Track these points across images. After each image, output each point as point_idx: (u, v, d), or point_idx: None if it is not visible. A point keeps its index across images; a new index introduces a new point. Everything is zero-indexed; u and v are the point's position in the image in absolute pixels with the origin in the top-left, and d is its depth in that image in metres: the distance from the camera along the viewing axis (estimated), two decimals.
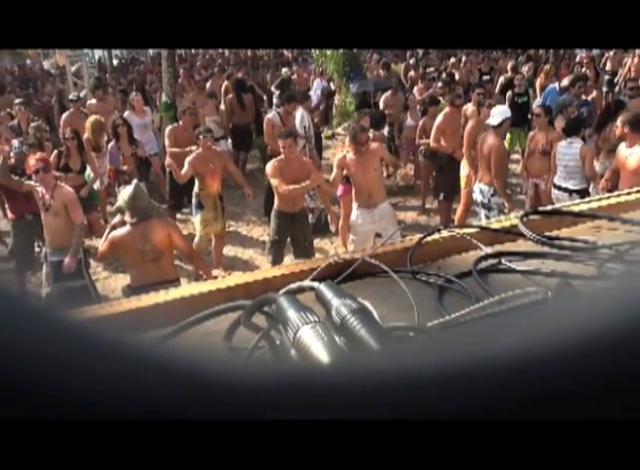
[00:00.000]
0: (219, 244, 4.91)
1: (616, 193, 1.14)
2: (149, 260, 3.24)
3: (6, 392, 0.15)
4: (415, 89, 7.56)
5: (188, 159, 4.57)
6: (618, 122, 4.05)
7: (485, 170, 4.48)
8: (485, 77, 8.83)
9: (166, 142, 5.54)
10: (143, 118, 6.31)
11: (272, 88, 8.33)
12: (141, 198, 3.26)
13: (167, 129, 5.66)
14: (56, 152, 5.21)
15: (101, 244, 3.42)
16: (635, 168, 3.87)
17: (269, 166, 4.17)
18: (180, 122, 5.65)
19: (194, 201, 4.71)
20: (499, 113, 4.44)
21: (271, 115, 5.97)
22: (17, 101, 6.96)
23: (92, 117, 5.92)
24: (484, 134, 4.51)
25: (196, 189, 4.65)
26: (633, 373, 0.17)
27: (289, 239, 4.36)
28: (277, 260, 4.23)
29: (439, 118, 5.33)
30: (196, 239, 4.67)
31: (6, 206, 4.84)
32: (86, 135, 5.69)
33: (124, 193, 3.30)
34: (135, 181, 3.54)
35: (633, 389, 0.17)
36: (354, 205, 4.38)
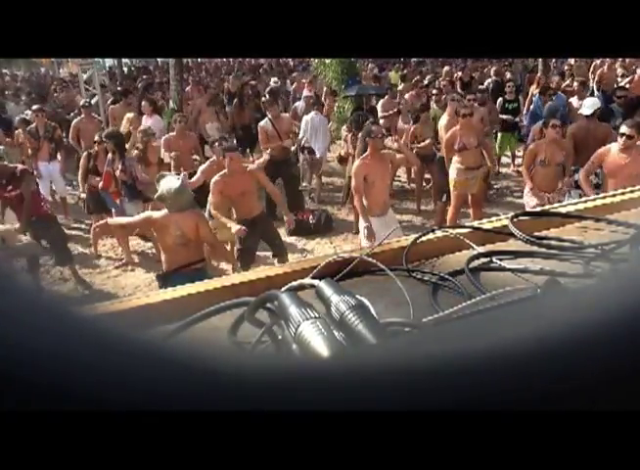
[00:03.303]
0: (233, 250, 4.90)
1: (601, 195, 1.17)
2: (179, 244, 3.41)
3: (17, 384, 0.16)
4: (407, 95, 7.60)
5: (202, 167, 4.53)
6: (627, 130, 3.86)
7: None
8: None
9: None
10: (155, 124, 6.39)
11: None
12: (184, 194, 3.41)
13: (163, 138, 5.69)
14: (85, 154, 5.28)
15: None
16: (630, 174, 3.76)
17: (212, 182, 4.05)
18: (174, 132, 5.68)
19: (207, 208, 4.62)
20: (591, 104, 5.01)
21: (263, 122, 6.09)
22: (34, 107, 6.85)
23: (131, 114, 6.12)
24: (584, 124, 4.87)
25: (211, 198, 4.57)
26: (618, 365, 0.18)
27: (263, 243, 4.28)
28: (246, 268, 4.10)
29: (443, 122, 5.35)
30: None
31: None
32: (125, 130, 5.86)
33: (169, 185, 3.40)
34: (182, 176, 3.60)
35: (618, 380, 0.18)
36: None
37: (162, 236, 3.48)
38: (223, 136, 5.13)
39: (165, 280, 3.45)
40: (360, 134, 4.46)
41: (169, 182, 3.44)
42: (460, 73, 9.62)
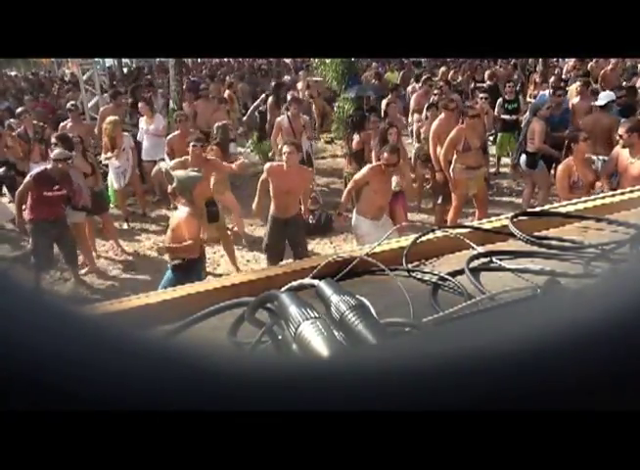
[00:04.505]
0: (226, 248, 4.86)
1: (601, 195, 1.17)
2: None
3: (17, 384, 0.16)
4: (413, 96, 7.59)
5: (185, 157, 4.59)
6: (622, 131, 3.92)
7: (606, 144, 4.64)
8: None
9: (166, 149, 5.62)
10: (150, 125, 6.41)
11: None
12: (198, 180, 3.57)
13: (167, 138, 5.72)
14: None
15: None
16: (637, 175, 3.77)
17: (268, 166, 4.17)
18: (178, 131, 5.69)
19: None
20: (605, 96, 5.49)
21: (280, 118, 6.06)
22: (17, 110, 6.79)
23: (110, 118, 5.99)
24: (594, 115, 5.37)
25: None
26: (618, 365, 0.18)
27: (287, 242, 4.35)
28: (273, 263, 4.19)
29: (435, 124, 5.34)
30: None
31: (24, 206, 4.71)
32: (104, 136, 5.78)
33: (185, 177, 3.52)
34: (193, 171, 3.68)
35: (618, 380, 0.18)
36: (360, 216, 4.28)
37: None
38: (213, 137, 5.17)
39: (190, 266, 3.58)
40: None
41: (185, 174, 3.54)
42: (461, 74, 9.62)
